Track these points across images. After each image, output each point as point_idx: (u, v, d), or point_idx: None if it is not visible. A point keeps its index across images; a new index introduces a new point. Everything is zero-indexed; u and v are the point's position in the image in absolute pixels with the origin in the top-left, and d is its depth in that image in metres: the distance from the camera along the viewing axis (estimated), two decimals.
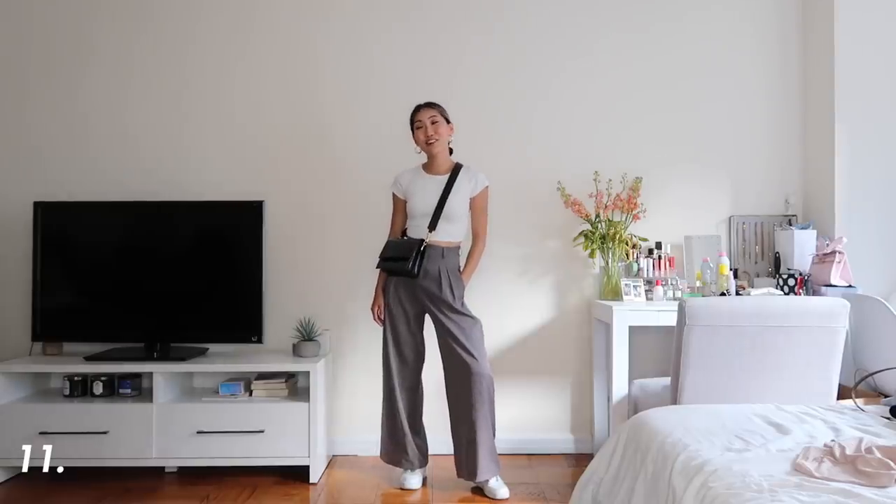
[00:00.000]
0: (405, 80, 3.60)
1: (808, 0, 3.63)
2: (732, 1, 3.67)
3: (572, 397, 3.64)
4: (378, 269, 3.12)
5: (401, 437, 3.08)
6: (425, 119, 3.03)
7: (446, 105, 3.11)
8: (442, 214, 3.00)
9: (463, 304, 3.02)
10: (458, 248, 3.10)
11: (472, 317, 3.01)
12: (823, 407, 2.30)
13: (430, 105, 3.07)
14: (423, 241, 2.99)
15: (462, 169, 3.09)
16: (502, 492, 2.96)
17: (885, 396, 2.69)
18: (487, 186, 3.13)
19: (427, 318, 3.09)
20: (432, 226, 3.00)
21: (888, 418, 2.16)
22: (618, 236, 3.41)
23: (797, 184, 3.65)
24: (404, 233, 3.13)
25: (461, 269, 3.08)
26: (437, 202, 3.01)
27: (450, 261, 3.04)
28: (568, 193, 3.50)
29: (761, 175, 3.66)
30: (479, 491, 3.02)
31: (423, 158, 3.13)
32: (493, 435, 3.01)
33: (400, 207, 3.15)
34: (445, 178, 3.07)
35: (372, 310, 3.13)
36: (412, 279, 2.99)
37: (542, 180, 3.58)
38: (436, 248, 3.01)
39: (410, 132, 3.09)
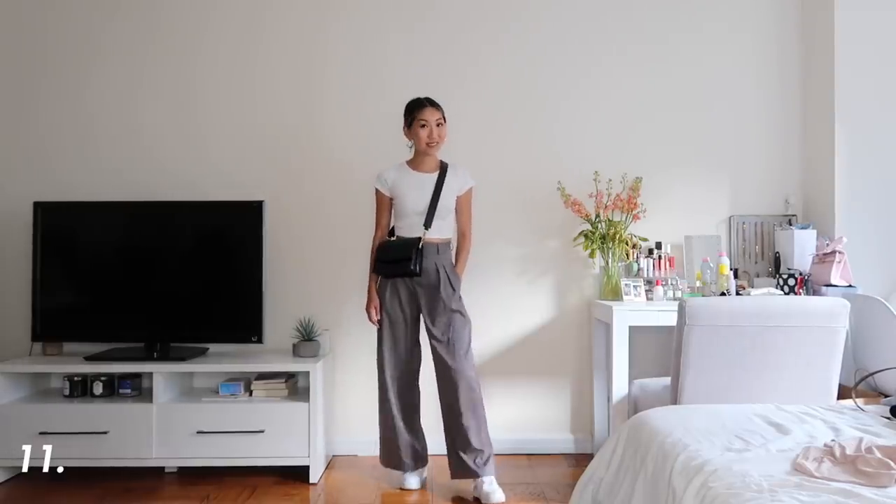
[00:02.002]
0: (404, 81, 3.58)
1: (807, 0, 3.63)
2: (732, 2, 3.67)
3: (572, 397, 3.64)
4: (370, 271, 3.10)
5: (397, 440, 3.06)
6: (432, 120, 2.99)
7: (446, 105, 3.09)
8: (436, 212, 3.00)
9: (460, 297, 3.02)
10: (450, 242, 3.11)
11: (464, 315, 3.01)
12: (823, 407, 2.29)
13: (435, 105, 3.03)
14: (419, 239, 2.98)
15: (449, 167, 3.08)
16: (496, 496, 2.91)
17: (885, 396, 2.69)
18: (472, 186, 3.13)
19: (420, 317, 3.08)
20: (427, 224, 2.99)
21: (888, 418, 2.16)
22: (618, 236, 3.41)
23: (797, 184, 3.65)
24: (391, 232, 3.13)
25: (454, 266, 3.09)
26: (429, 200, 3.00)
27: (444, 257, 3.04)
28: (568, 193, 3.50)
29: (761, 175, 3.66)
30: (478, 500, 2.97)
31: (410, 154, 3.11)
32: (487, 436, 2.97)
33: (386, 205, 3.11)
34: (434, 175, 3.05)
35: (368, 311, 3.08)
36: (411, 279, 2.99)
37: (542, 180, 3.58)
38: (431, 245, 3.00)
39: (404, 124, 3.05)
